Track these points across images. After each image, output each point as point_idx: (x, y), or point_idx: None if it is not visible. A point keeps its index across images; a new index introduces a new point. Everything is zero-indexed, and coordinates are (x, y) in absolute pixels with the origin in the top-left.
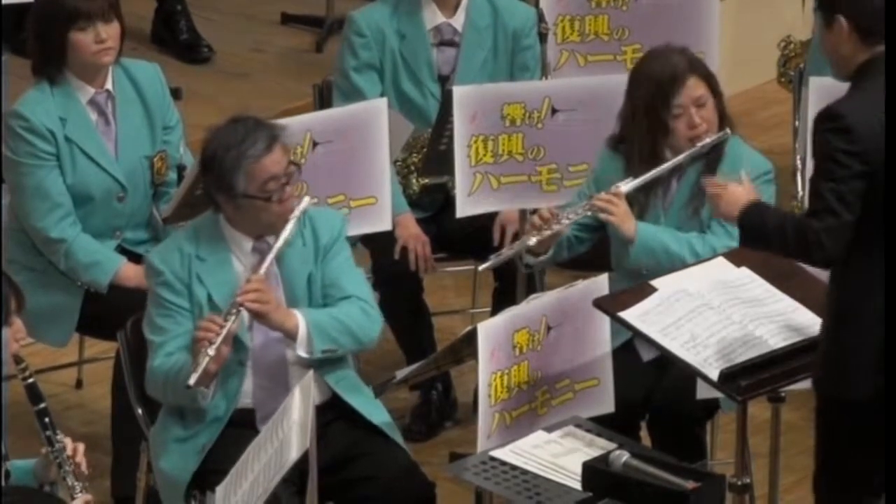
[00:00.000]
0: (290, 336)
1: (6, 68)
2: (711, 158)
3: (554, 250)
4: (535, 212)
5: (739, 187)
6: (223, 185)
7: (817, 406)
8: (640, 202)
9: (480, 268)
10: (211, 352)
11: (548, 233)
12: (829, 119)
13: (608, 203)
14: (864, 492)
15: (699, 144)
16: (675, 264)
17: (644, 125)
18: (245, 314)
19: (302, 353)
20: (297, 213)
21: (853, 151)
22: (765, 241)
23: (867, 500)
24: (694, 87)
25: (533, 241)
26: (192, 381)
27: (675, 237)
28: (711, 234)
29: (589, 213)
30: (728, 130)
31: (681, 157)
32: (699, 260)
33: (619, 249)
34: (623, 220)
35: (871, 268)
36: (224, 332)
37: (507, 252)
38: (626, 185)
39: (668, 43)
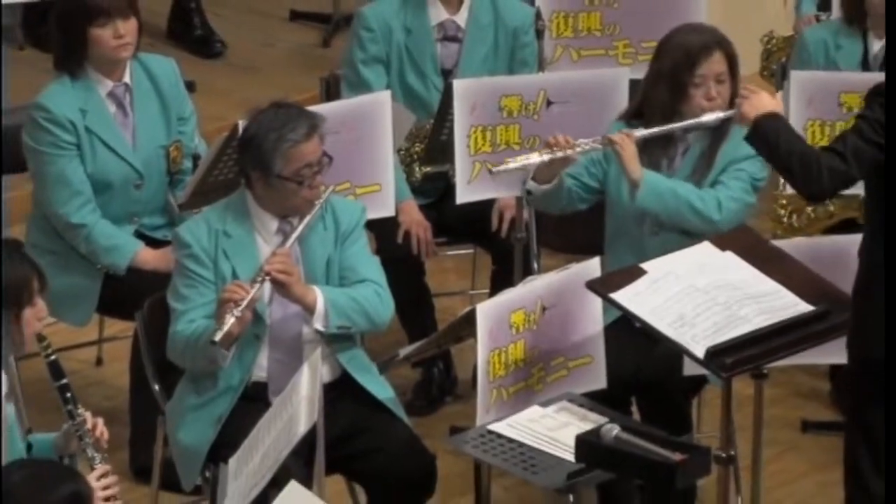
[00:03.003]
0: (309, 310)
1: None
2: (716, 135)
3: (556, 186)
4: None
5: (769, 96)
6: (260, 163)
7: (848, 365)
8: (649, 159)
9: (494, 169)
10: (237, 313)
11: (560, 154)
12: (880, 94)
13: (621, 140)
14: (878, 450)
15: (712, 115)
16: (681, 206)
17: (666, 88)
18: (266, 288)
19: (318, 326)
20: (322, 199)
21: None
22: (771, 152)
23: (884, 463)
24: (718, 62)
25: (546, 157)
26: (217, 337)
27: (682, 184)
28: (714, 189)
29: (600, 147)
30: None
31: (691, 122)
32: (704, 211)
33: (616, 202)
34: (630, 158)
35: (893, 238)
36: (249, 296)
37: (520, 161)
38: (639, 132)
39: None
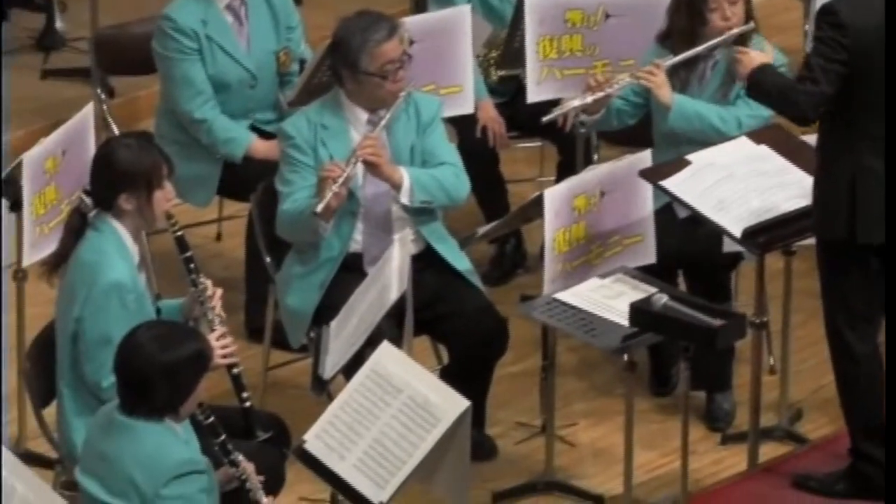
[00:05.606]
0: (396, 187)
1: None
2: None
3: (604, 115)
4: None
5: (758, 53)
6: (349, 62)
7: (816, 245)
8: (680, 79)
9: (544, 119)
10: (335, 188)
11: (601, 94)
12: (828, 13)
13: (649, 73)
14: (852, 315)
15: (729, 33)
16: (706, 128)
17: (686, 16)
18: (359, 170)
19: (405, 201)
20: (405, 92)
21: (842, 43)
22: (762, 94)
23: (859, 325)
24: None
25: (589, 99)
26: (318, 208)
27: (706, 106)
28: (735, 107)
29: (635, 81)
30: (752, 24)
31: (713, 42)
32: (725, 130)
33: (658, 118)
34: (660, 86)
35: (846, 136)
36: (345, 174)
37: (566, 106)
38: (667, 61)
39: None
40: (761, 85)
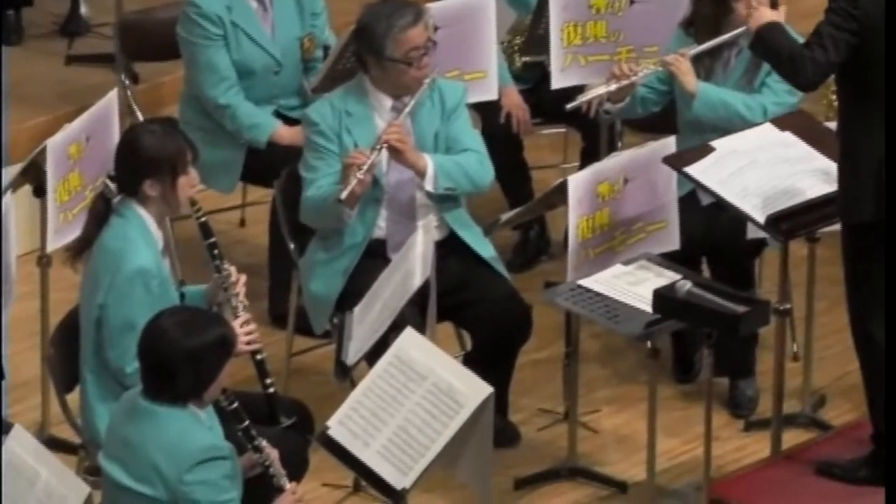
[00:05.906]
0: (420, 173)
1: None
2: None
3: (629, 103)
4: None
5: (769, 10)
6: (374, 48)
7: (841, 228)
8: (705, 68)
9: (568, 106)
10: (359, 175)
11: (625, 82)
12: None
13: (675, 60)
14: (876, 300)
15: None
16: (731, 115)
17: (710, 4)
18: (384, 157)
19: (429, 188)
20: (429, 78)
21: (854, 15)
22: (768, 53)
23: (876, 310)
24: None
25: (613, 87)
26: (343, 195)
27: (731, 94)
28: (760, 95)
29: (660, 68)
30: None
31: (738, 31)
32: (750, 118)
33: (683, 106)
34: (685, 74)
35: (867, 115)
36: (369, 161)
37: (591, 94)
38: (692, 50)
39: None
40: (769, 44)
